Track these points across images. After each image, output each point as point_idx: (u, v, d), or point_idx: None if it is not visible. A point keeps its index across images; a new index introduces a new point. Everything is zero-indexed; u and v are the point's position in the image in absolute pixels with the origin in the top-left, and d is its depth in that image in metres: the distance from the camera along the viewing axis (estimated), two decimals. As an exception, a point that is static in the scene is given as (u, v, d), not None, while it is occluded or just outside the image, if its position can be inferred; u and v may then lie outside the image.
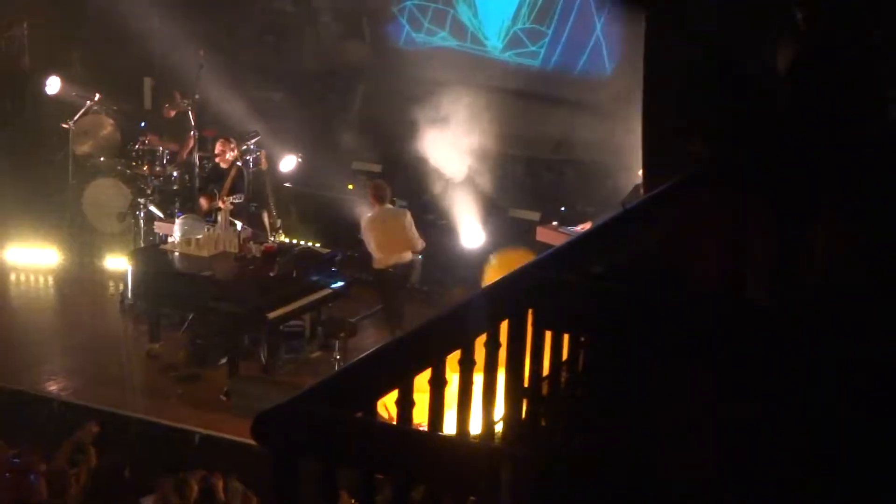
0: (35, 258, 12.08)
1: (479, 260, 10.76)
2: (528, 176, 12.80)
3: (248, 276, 10.10)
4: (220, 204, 10.99)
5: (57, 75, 12.87)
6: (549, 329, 4.09)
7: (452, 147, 12.02)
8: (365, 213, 10.88)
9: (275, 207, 11.94)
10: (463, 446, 3.01)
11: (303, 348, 10.49)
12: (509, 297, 3.96)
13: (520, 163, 12.26)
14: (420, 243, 10.68)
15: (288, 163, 12.56)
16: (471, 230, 11.94)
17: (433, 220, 12.04)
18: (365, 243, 10.58)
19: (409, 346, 3.48)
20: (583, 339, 4.33)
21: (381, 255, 10.47)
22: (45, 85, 12.90)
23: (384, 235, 10.48)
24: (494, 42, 13.84)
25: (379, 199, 10.56)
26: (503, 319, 3.99)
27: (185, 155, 12.46)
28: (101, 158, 12.83)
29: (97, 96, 12.77)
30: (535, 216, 12.00)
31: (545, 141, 13.19)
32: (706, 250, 4.13)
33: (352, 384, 3.19)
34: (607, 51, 13.13)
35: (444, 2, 13.91)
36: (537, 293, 3.88)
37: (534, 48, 13.59)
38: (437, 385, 3.54)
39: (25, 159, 12.90)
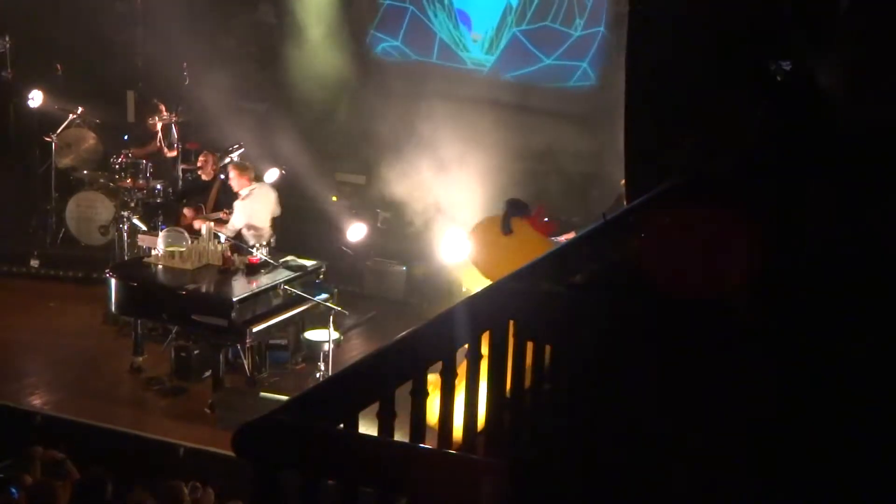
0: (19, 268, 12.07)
1: (462, 271, 10.79)
2: (513, 186, 12.82)
3: (231, 288, 10.09)
4: (201, 219, 11.02)
5: (40, 88, 12.86)
6: (530, 340, 4.13)
7: (436, 158, 12.04)
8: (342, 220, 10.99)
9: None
10: (442, 457, 3.03)
11: (288, 361, 10.50)
12: (490, 309, 4.00)
13: (504, 173, 12.26)
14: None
15: (271, 175, 12.56)
16: (454, 242, 11.95)
17: (417, 232, 12.07)
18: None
19: (391, 358, 3.50)
20: (563, 349, 4.36)
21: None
22: (27, 98, 12.89)
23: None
24: (476, 53, 13.90)
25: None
26: (484, 331, 4.03)
27: (167, 167, 12.46)
28: (85, 171, 12.83)
29: (80, 109, 12.77)
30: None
31: (530, 151, 13.23)
32: (686, 260, 4.17)
33: (332, 396, 3.21)
34: (593, 61, 13.20)
35: (424, 14, 13.97)
36: (518, 304, 3.92)
37: (516, 58, 13.66)
38: (418, 396, 3.57)
39: (7, 172, 12.88)
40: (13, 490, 7.33)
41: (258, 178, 11.37)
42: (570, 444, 4.02)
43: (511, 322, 4.17)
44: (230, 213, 11.17)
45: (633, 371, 3.93)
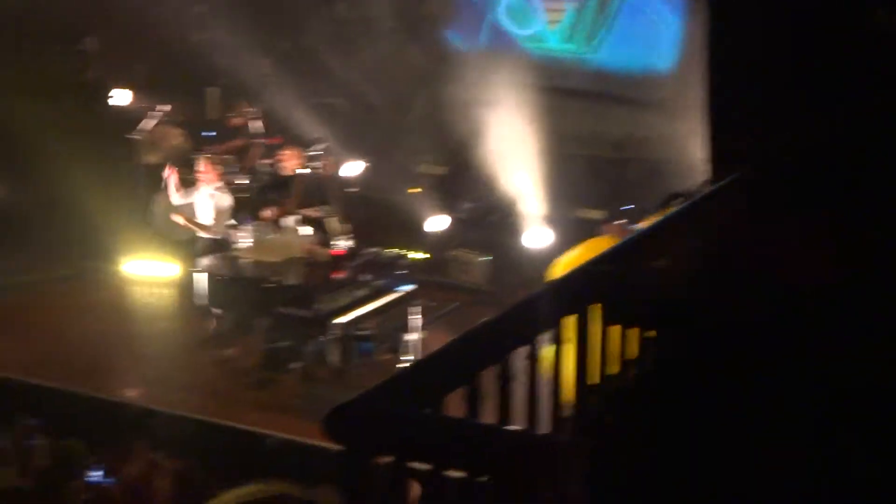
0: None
1: (545, 260, 10.77)
2: (592, 175, 12.78)
3: (317, 280, 10.22)
4: (288, 212, 11.16)
5: (125, 87, 13.07)
6: (617, 324, 4.13)
7: (515, 148, 12.04)
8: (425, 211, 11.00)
9: (342, 212, 12.04)
10: (528, 439, 3.07)
11: (373, 351, 10.58)
12: (574, 293, 4.02)
13: (582, 162, 12.23)
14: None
15: (353, 168, 12.66)
16: (536, 230, 11.96)
17: (498, 221, 12.08)
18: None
19: (476, 343, 3.55)
20: (650, 334, 4.37)
21: None
22: (113, 96, 13.11)
23: None
24: (553, 42, 13.86)
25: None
26: (569, 315, 4.04)
27: (252, 162, 12.64)
28: (170, 169, 13.03)
29: (165, 107, 12.96)
30: (599, 215, 11.96)
31: (607, 139, 13.16)
32: (766, 246, 4.15)
33: (419, 381, 3.27)
34: (669, 46, 13.09)
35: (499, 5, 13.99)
36: (604, 288, 3.93)
37: (592, 45, 13.59)
38: (504, 381, 3.61)
39: (95, 169, 13.11)
40: (110, 480, 7.51)
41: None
42: (657, 432, 4.03)
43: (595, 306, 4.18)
44: (316, 207, 11.30)
45: (718, 357, 3.92)
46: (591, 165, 12.82)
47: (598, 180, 12.73)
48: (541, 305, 3.89)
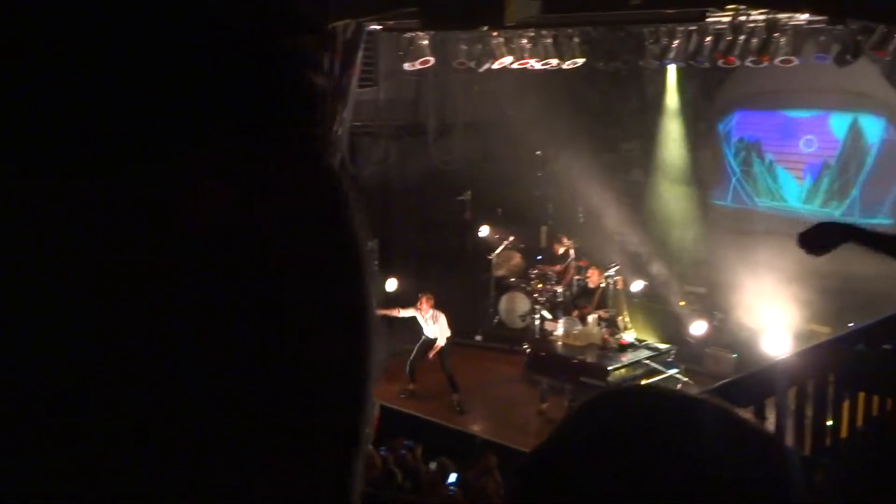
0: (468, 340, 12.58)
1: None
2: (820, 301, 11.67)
3: (607, 360, 10.01)
4: (594, 312, 11.08)
5: (486, 224, 13.51)
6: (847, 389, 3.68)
7: (759, 278, 11.29)
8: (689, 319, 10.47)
9: (627, 314, 11.78)
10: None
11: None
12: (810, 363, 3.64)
13: (809, 288, 11.12)
14: None
15: (637, 285, 12.39)
16: (774, 339, 11.06)
17: (748, 330, 11.29)
18: None
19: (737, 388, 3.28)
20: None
21: None
22: (478, 230, 13.57)
23: None
24: (792, 201, 12.99)
25: None
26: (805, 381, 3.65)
27: (568, 278, 12.66)
28: (512, 279, 13.27)
29: (511, 238, 13.29)
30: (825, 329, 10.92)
31: (836, 273, 12.04)
32: None
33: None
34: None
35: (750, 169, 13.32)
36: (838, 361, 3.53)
37: (830, 207, 12.51)
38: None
39: (464, 278, 13.55)
40: (456, 480, 7.46)
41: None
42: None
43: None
44: (608, 311, 11.15)
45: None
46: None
47: (816, 308, 11.53)
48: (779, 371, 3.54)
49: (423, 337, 10.63)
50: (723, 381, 3.37)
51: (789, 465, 0.70)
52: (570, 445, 0.74)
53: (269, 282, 0.34)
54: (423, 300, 10.65)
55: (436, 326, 10.56)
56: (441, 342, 10.55)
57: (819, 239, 2.91)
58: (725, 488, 0.66)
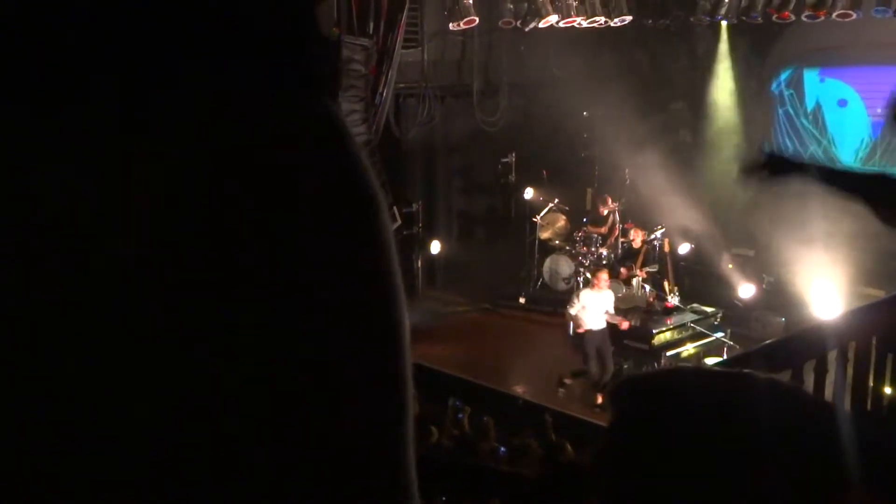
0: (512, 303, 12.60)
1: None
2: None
3: (652, 323, 9.92)
4: (637, 273, 10.96)
5: (531, 186, 13.44)
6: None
7: (809, 235, 11.04)
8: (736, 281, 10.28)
9: (673, 278, 11.65)
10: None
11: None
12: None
13: (866, 238, 10.85)
14: None
15: (684, 248, 12.23)
16: (824, 300, 10.84)
17: (796, 292, 11.09)
18: None
19: (771, 354, 3.23)
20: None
21: None
22: (523, 193, 13.51)
23: None
24: (848, 161, 12.65)
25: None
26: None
27: (612, 240, 12.55)
28: (556, 241, 13.20)
29: (556, 200, 13.20)
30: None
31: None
32: None
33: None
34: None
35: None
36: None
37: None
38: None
39: (509, 241, 13.55)
40: (502, 449, 7.52)
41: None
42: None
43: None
44: (655, 269, 11.02)
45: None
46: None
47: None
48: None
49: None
50: (761, 344, 3.32)
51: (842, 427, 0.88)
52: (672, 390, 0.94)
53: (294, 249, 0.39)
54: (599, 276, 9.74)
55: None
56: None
57: (773, 168, 2.76)
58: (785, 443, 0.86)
